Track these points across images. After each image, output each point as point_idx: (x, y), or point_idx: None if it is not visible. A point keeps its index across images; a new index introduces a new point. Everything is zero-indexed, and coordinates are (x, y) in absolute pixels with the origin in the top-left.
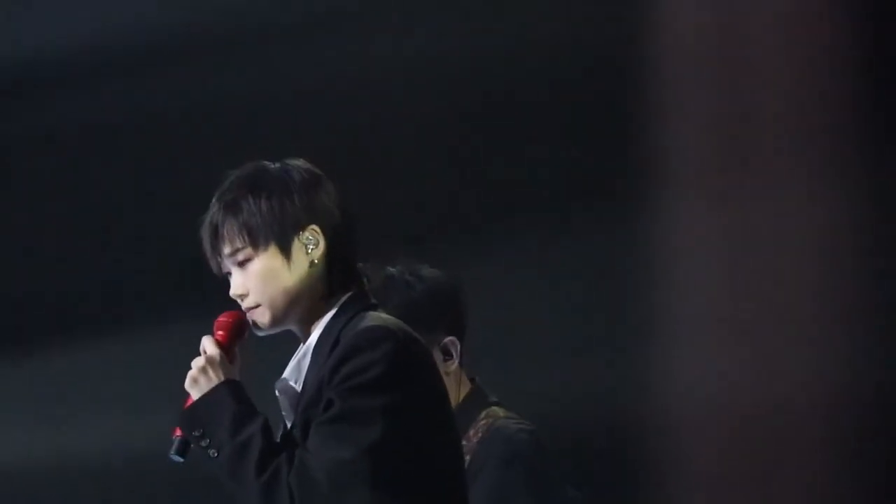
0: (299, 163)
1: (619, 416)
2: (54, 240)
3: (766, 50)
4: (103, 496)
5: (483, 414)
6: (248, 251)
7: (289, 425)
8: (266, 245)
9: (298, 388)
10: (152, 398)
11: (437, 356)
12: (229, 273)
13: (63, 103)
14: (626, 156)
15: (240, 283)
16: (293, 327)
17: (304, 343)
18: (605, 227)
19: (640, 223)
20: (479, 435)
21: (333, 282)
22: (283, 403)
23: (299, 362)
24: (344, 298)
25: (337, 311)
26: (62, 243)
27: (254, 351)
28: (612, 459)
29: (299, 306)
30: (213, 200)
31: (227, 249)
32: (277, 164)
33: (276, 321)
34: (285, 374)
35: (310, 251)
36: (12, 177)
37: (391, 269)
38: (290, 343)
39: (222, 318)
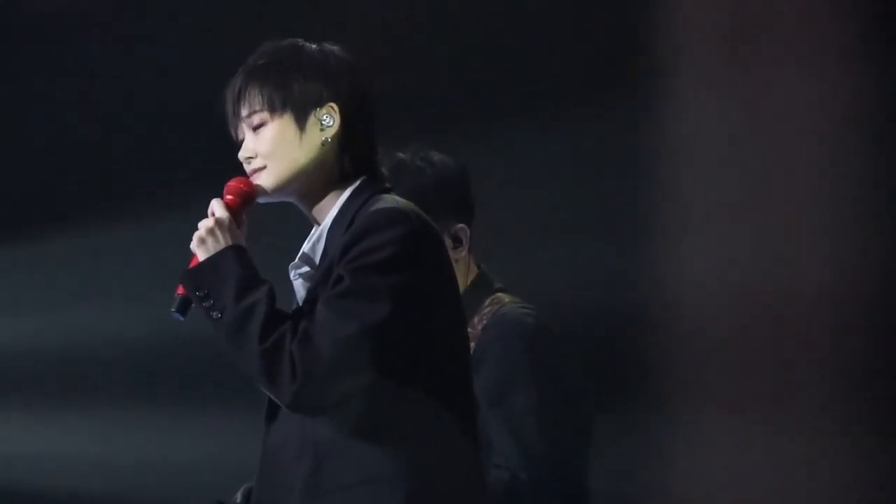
0: (335, 47)
1: (628, 302)
2: (61, 123)
3: None
4: (109, 379)
5: (488, 301)
6: (264, 115)
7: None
8: (282, 112)
9: (313, 270)
10: (153, 283)
11: (447, 243)
12: (244, 139)
13: None
14: (631, 37)
15: (250, 146)
16: (305, 210)
17: (317, 226)
18: (612, 111)
19: (648, 106)
20: (485, 321)
21: (346, 165)
22: (297, 286)
23: (314, 245)
24: (358, 182)
25: (352, 194)
26: (68, 124)
27: (265, 238)
28: (619, 345)
29: (304, 180)
30: (244, 65)
31: (244, 111)
32: (313, 45)
33: (278, 186)
34: (299, 256)
35: (324, 128)
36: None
37: (401, 155)
38: (301, 229)
39: (232, 183)
